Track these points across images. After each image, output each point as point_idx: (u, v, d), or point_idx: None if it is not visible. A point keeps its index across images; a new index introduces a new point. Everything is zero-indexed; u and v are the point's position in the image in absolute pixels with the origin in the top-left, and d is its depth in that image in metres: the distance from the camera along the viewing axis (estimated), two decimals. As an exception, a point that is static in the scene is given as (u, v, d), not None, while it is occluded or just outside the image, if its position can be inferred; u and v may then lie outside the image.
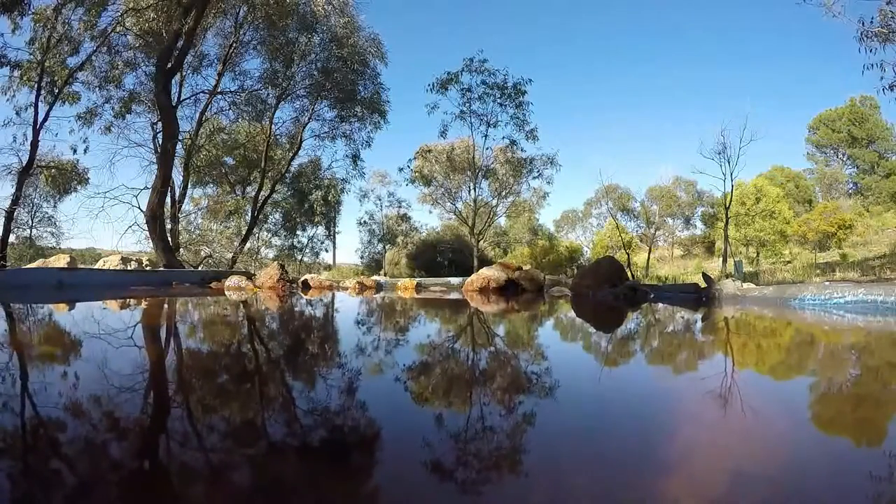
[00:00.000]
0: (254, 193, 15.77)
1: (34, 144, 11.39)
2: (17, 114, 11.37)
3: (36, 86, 11.11)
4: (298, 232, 21.76)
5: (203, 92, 13.65)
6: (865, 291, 4.59)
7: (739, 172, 20.74)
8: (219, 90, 13.68)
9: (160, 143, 11.19)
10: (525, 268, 7.84)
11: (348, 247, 63.25)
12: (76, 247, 18.51)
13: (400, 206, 26.02)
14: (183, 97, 13.14)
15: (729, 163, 15.79)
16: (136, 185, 12.55)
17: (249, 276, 7.56)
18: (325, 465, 0.97)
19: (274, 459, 1.00)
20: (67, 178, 14.88)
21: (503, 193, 20.60)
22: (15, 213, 12.09)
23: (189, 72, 13.35)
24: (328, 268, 23.47)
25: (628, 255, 19.55)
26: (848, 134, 29.71)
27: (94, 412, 1.22)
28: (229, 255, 13.79)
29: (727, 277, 10.46)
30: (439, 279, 9.68)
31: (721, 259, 17.95)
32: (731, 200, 17.49)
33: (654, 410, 1.42)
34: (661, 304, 5.54)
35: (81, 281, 6.41)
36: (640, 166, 57.25)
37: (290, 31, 13.32)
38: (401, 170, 20.37)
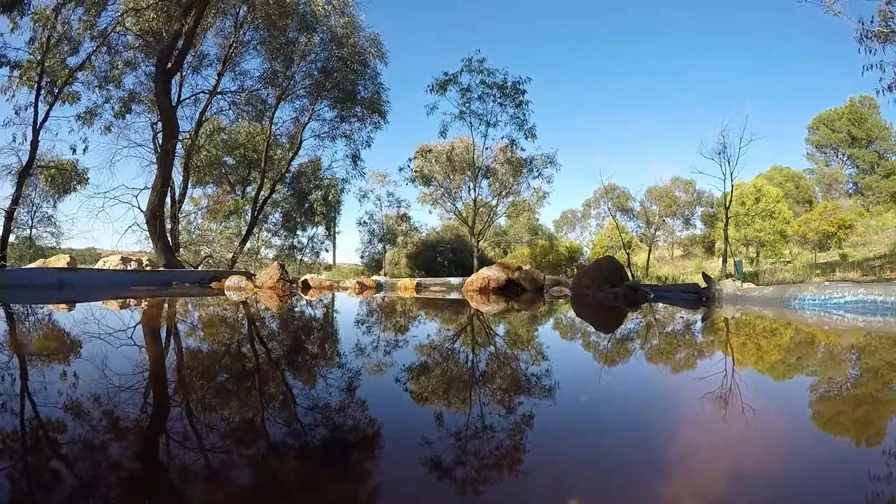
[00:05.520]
0: (254, 193, 15.76)
1: (34, 144, 11.37)
2: (17, 113, 11.35)
3: (36, 86, 11.09)
4: (298, 232, 21.73)
5: (203, 92, 13.64)
6: (865, 291, 4.60)
7: (739, 172, 20.77)
8: (219, 90, 13.66)
9: (160, 143, 11.19)
10: (525, 268, 7.84)
11: (348, 247, 63.32)
12: (76, 247, 18.49)
13: (400, 206, 26.02)
14: (183, 97, 13.14)
15: (729, 163, 15.74)
16: (136, 185, 12.56)
17: (249, 277, 7.57)
18: (324, 465, 0.97)
19: (273, 459, 1.00)
20: (67, 178, 14.85)
21: (503, 193, 20.59)
22: (15, 213, 12.07)
23: (189, 72, 13.35)
24: (328, 268, 23.47)
25: (628, 255, 19.53)
26: (847, 134, 29.71)
27: (95, 412, 1.22)
28: (229, 255, 13.77)
29: (727, 277, 10.46)
30: (439, 279, 9.68)
31: (721, 259, 17.94)
32: (730, 200, 17.46)
33: (655, 411, 1.43)
34: (661, 305, 5.54)
35: (81, 281, 6.41)
36: (639, 166, 57.21)
37: (290, 31, 13.30)
38: (401, 170, 20.37)
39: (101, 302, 4.63)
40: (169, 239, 11.03)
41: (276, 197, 17.90)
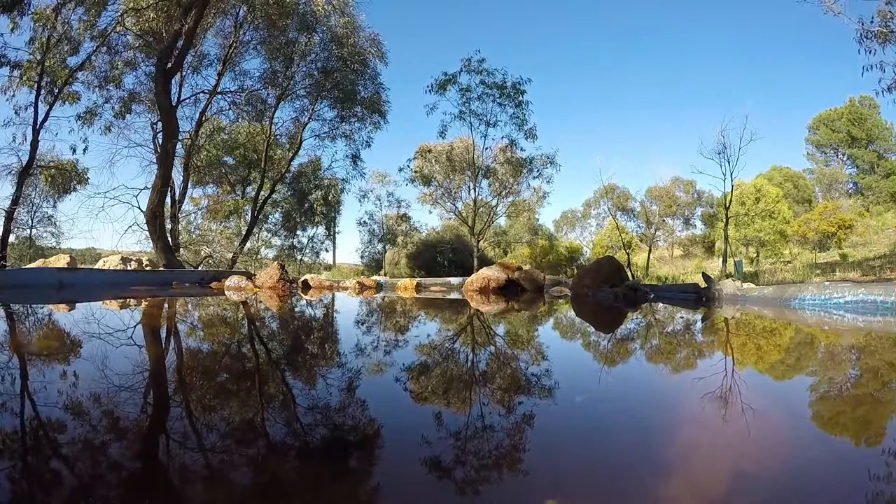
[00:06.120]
0: (254, 193, 15.76)
1: (34, 144, 11.36)
2: (17, 113, 11.34)
3: (36, 86, 11.08)
4: (298, 232, 21.73)
5: (203, 92, 13.63)
6: (865, 291, 4.59)
7: (739, 173, 20.78)
8: (219, 90, 13.65)
9: (160, 143, 11.19)
10: (525, 268, 7.84)
11: (348, 247, 63.33)
12: (76, 247, 18.50)
13: (400, 206, 26.03)
14: (183, 97, 13.13)
15: (729, 163, 15.76)
16: (136, 185, 12.54)
17: (249, 276, 7.56)
18: (324, 465, 0.97)
19: (273, 459, 1.00)
20: (67, 178, 14.84)
21: (503, 193, 20.59)
22: (15, 213, 12.07)
23: (189, 72, 13.34)
24: (328, 268, 23.47)
25: (628, 255, 19.53)
26: (847, 134, 29.71)
27: (95, 412, 1.22)
28: (229, 255, 13.76)
29: (727, 277, 10.46)
30: (439, 279, 9.68)
31: (721, 259, 17.94)
32: (730, 200, 17.47)
33: (655, 411, 1.43)
34: (660, 305, 5.54)
35: (81, 281, 6.40)
36: (639, 166, 57.27)
37: (290, 31, 13.29)
38: (401, 170, 20.38)
39: (101, 302, 4.63)
40: (169, 239, 11.02)
41: (276, 197, 17.91)
